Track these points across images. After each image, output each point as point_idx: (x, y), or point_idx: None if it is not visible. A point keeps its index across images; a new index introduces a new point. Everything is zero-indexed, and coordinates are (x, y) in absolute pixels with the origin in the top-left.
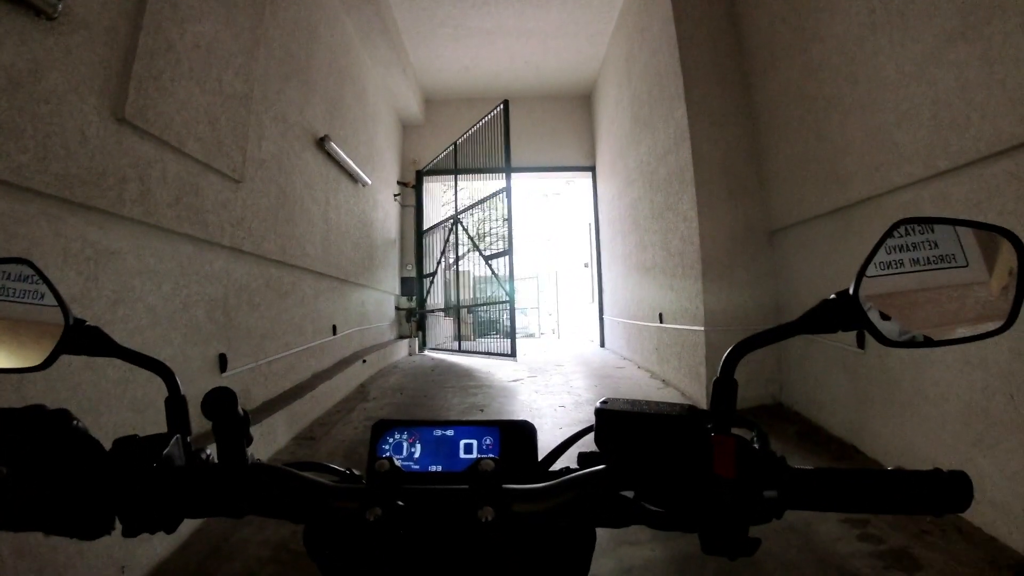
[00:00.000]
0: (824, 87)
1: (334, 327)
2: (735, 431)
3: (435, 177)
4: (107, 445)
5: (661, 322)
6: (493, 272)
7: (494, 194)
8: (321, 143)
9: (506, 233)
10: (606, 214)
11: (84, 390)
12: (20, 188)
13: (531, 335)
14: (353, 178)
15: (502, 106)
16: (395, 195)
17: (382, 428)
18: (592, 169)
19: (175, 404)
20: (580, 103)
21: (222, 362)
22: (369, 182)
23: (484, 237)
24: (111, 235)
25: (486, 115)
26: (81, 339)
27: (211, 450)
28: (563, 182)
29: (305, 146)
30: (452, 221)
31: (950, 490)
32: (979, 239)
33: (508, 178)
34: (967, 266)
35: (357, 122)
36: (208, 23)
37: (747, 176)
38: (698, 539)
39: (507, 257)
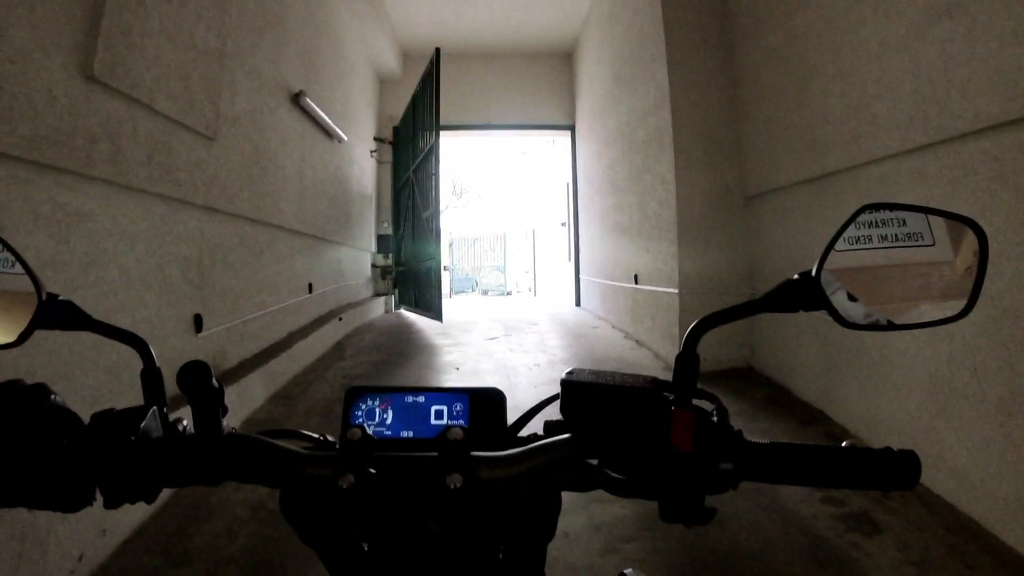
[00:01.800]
0: (807, 55)
1: (310, 285)
2: (697, 403)
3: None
4: (83, 413)
5: (636, 283)
6: (432, 229)
7: (428, 152)
8: (296, 98)
9: (483, 191)
10: (584, 174)
11: (60, 355)
12: None
13: (507, 293)
14: (329, 134)
15: (434, 55)
16: (371, 151)
17: (355, 394)
18: (571, 128)
19: (150, 376)
20: (561, 61)
21: (197, 323)
22: (345, 138)
23: (462, 194)
24: (82, 197)
25: (426, 68)
26: (55, 314)
27: (187, 420)
28: (546, 141)
29: (280, 102)
30: (407, 180)
31: (900, 468)
32: (945, 227)
33: (436, 135)
34: (932, 245)
35: (333, 77)
36: None
37: (726, 141)
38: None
39: (435, 216)
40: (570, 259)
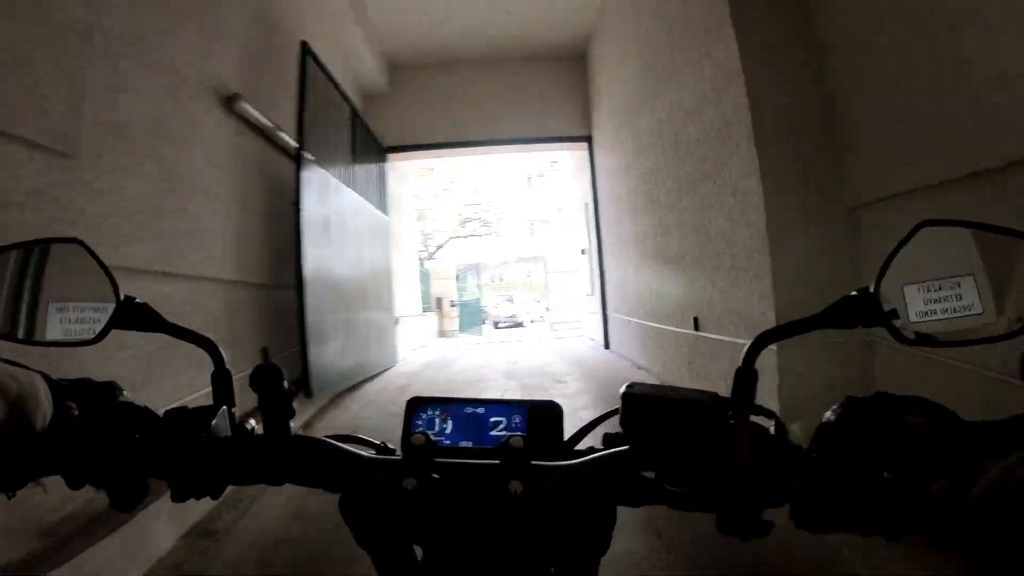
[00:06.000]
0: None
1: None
2: (755, 420)
3: (402, 154)
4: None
5: (696, 329)
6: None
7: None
8: (230, 102)
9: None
10: (608, 191)
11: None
12: None
13: (519, 324)
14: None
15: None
16: None
17: (416, 405)
18: (588, 139)
19: (220, 377)
20: (572, 64)
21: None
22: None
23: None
24: None
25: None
26: (131, 315)
27: (254, 422)
28: (548, 164)
29: (210, 107)
30: None
31: None
32: (998, 242)
33: (298, 160)
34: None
35: (296, 87)
36: None
37: (815, 132)
38: (715, 519)
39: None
40: (593, 292)
